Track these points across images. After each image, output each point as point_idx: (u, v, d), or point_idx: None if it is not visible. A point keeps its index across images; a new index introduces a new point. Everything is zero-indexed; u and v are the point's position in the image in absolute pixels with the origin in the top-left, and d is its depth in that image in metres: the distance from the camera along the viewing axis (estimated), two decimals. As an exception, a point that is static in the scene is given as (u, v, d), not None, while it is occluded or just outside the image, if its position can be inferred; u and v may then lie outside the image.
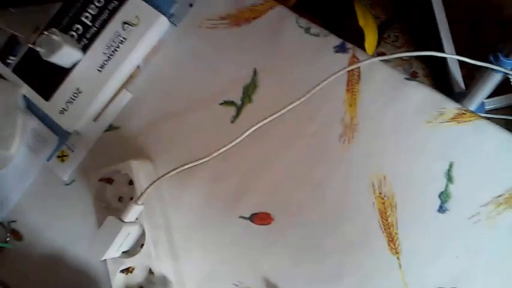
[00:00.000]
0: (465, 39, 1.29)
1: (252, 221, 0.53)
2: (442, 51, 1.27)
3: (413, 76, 1.36)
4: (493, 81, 0.92)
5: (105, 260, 0.51)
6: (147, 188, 0.50)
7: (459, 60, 1.24)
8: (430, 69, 1.35)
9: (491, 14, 1.32)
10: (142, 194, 0.50)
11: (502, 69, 0.77)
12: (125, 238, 0.50)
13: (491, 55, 0.84)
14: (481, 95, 1.03)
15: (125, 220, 0.49)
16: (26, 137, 0.62)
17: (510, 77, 0.83)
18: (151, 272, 0.52)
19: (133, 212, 0.49)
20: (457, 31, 1.28)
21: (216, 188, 0.55)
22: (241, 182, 0.54)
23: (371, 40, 1.23)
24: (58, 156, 0.61)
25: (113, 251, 0.49)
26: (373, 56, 0.53)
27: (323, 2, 1.16)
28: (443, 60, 1.27)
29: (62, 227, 0.60)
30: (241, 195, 0.53)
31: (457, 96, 1.22)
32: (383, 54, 1.39)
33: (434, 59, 1.33)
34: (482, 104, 1.17)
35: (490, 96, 1.10)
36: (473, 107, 1.12)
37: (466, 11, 1.34)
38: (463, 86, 1.25)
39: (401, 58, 1.40)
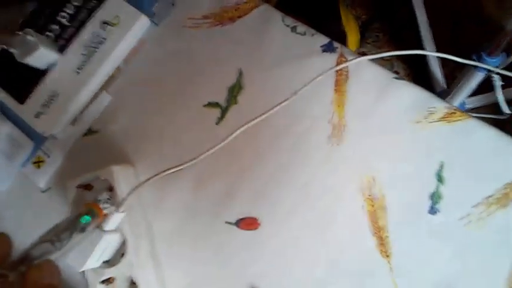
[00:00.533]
0: (446, 39, 1.30)
1: (238, 226, 0.51)
2: (423, 49, 1.28)
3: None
4: (475, 80, 0.92)
5: (84, 270, 0.48)
6: (128, 194, 0.48)
7: (441, 60, 1.25)
8: (411, 69, 1.36)
9: (471, 13, 1.33)
10: (122, 200, 0.47)
11: (486, 66, 0.77)
12: (105, 247, 0.47)
13: (474, 54, 0.84)
14: (463, 93, 1.03)
15: (106, 229, 0.47)
16: (0, 142, 0.59)
17: (493, 75, 0.83)
18: (133, 282, 0.50)
19: (114, 220, 0.47)
20: (437, 30, 1.28)
21: (200, 192, 0.53)
22: (227, 185, 0.52)
23: (352, 41, 1.23)
24: (34, 162, 0.58)
25: (93, 262, 0.47)
26: (360, 55, 0.52)
27: (304, 3, 1.15)
28: (425, 60, 1.27)
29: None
30: (226, 199, 0.52)
31: (439, 95, 1.23)
32: (365, 54, 1.39)
33: (415, 58, 1.34)
34: (463, 103, 1.17)
35: (470, 96, 1.11)
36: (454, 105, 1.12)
37: (446, 10, 1.35)
38: (444, 85, 1.25)
39: (382, 58, 1.40)
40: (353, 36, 1.25)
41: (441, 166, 0.46)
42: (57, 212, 0.56)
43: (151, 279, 0.49)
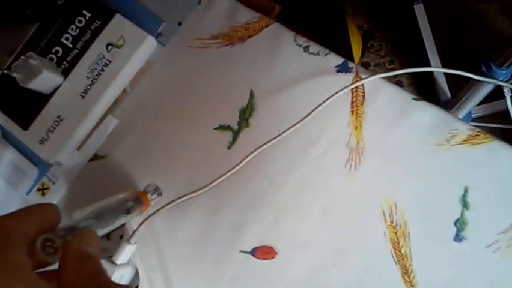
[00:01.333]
0: (449, 47, 1.28)
1: (254, 256, 0.49)
2: (426, 59, 1.27)
3: (398, 85, 1.34)
4: (484, 91, 0.91)
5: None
6: (140, 225, 0.45)
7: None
8: (415, 78, 1.34)
9: (475, 21, 1.32)
10: (134, 232, 0.45)
11: (497, 82, 0.75)
12: (118, 281, 0.45)
13: (483, 65, 0.83)
14: (470, 104, 1.01)
15: (118, 262, 0.45)
16: (3, 169, 0.57)
17: (503, 87, 0.82)
18: (146, 316, 0.48)
19: (126, 252, 0.45)
20: (439, 38, 1.27)
21: (213, 220, 0.51)
22: (241, 212, 0.50)
23: (356, 50, 1.22)
24: (39, 190, 0.56)
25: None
26: (374, 73, 0.50)
27: (305, 13, 1.14)
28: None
29: (45, 269, 0.54)
30: (241, 227, 0.50)
31: (443, 105, 1.21)
32: (368, 64, 1.38)
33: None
34: (469, 112, 1.16)
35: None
36: (460, 115, 1.11)
37: (448, 18, 1.33)
38: (449, 95, 1.24)
39: (385, 67, 1.39)
40: (356, 46, 1.23)
41: (466, 191, 0.45)
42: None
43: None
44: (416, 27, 1.31)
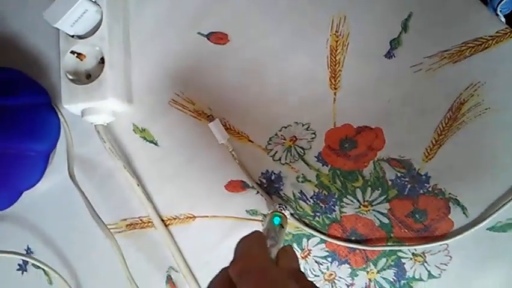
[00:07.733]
0: None
1: (208, 39, 0.53)
2: None
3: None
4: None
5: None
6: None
7: None
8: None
9: None
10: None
11: None
12: (82, 14, 0.50)
13: None
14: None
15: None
16: None
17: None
18: (101, 61, 0.53)
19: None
20: None
21: (181, 3, 0.54)
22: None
23: None
24: None
25: (67, 25, 0.50)
26: None
27: None
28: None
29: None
30: (204, 12, 0.53)
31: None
32: None
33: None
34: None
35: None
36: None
37: None
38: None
39: None
40: None
41: (410, 16, 0.47)
42: None
43: (119, 60, 0.53)
44: None
